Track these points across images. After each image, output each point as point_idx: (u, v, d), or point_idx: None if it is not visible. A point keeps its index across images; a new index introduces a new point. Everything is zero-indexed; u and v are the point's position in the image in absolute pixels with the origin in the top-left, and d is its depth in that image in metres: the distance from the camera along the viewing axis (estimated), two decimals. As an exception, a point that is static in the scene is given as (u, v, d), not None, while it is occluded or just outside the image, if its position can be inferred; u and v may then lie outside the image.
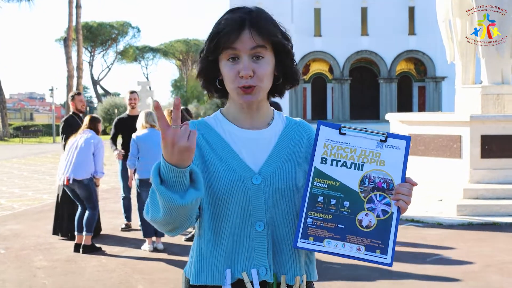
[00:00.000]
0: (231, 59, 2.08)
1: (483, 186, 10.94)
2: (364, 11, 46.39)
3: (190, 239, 8.97)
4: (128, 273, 7.49)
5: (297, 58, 47.29)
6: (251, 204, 2.08)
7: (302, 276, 2.15)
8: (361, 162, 2.03)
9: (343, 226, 1.98)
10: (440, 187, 11.18)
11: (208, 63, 2.15)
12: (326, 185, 2.01)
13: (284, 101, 45.45)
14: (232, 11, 2.14)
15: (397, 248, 8.11)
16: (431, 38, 44.38)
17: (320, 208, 1.99)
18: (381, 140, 2.05)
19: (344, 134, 2.06)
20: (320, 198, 2.00)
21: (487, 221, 9.97)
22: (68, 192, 8.71)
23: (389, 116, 13.78)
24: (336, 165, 2.03)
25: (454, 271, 7.26)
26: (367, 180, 2.02)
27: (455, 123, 11.64)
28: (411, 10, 46.14)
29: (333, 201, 2.00)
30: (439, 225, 9.94)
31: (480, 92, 12.49)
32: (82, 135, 8.66)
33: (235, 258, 2.09)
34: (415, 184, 2.05)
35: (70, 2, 45.67)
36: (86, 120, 8.88)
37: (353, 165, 2.03)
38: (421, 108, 46.50)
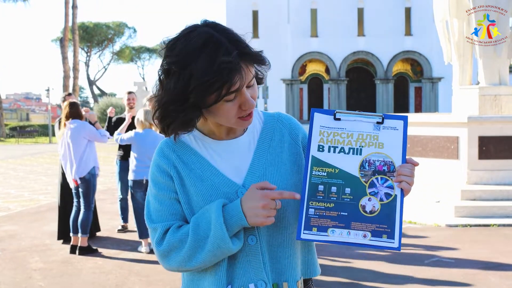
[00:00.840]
0: (229, 100, 1.92)
1: (481, 188, 10.92)
2: (360, 11, 46.43)
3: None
4: (124, 275, 7.45)
5: (293, 58, 47.57)
6: None
7: (301, 279, 2.10)
8: (359, 147, 1.98)
9: (346, 214, 1.92)
10: (438, 188, 11.16)
11: (190, 108, 1.92)
12: (325, 173, 1.95)
13: (280, 101, 45.47)
14: (211, 46, 1.85)
15: (395, 250, 8.10)
16: (428, 39, 44.48)
17: (321, 197, 1.93)
18: (377, 122, 2.00)
19: (339, 119, 2.01)
20: (320, 187, 1.94)
21: (485, 222, 9.94)
22: (72, 189, 8.63)
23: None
24: (334, 151, 1.97)
25: (452, 273, 7.23)
26: (366, 164, 1.96)
27: (453, 124, 11.61)
28: (408, 11, 46.19)
29: (333, 188, 1.94)
30: (437, 226, 9.92)
31: (478, 93, 12.47)
32: (67, 131, 8.52)
33: (232, 275, 2.02)
34: (416, 164, 1.99)
35: (66, 3, 45.60)
36: (65, 108, 8.65)
37: (351, 150, 1.97)
38: (418, 109, 46.55)
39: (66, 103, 8.75)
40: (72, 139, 8.44)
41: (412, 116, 14.75)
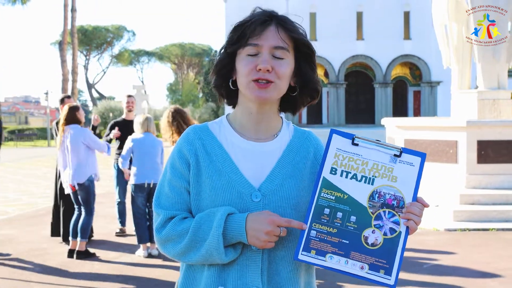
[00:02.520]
0: (251, 55, 2.02)
1: (480, 192, 10.90)
2: (359, 15, 46.45)
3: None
4: (122, 279, 7.43)
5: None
6: None
7: None
8: (372, 176, 1.94)
9: (347, 242, 1.89)
10: (437, 192, 11.14)
11: (225, 56, 2.08)
12: (334, 197, 1.93)
13: (279, 105, 45.45)
14: (260, 9, 2.12)
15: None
16: (427, 43, 44.47)
17: (325, 221, 1.91)
18: (395, 155, 1.97)
19: (357, 144, 1.98)
20: (326, 210, 1.91)
21: (484, 227, 9.93)
22: (71, 195, 8.60)
23: (385, 121, 13.75)
24: (346, 176, 1.95)
25: (451, 278, 7.22)
26: (376, 195, 1.93)
27: (452, 128, 11.61)
28: (407, 15, 46.20)
29: (339, 214, 1.91)
30: (436, 230, 9.91)
31: (477, 97, 12.46)
32: (65, 138, 8.49)
33: (227, 276, 2.00)
34: (426, 206, 1.97)
35: (65, 6, 45.57)
36: (64, 111, 8.62)
37: (364, 178, 1.94)
38: (416, 113, 46.54)
39: (66, 106, 8.71)
40: (71, 144, 8.41)
41: (411, 120, 14.75)
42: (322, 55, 45.86)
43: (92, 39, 76.51)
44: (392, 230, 1.90)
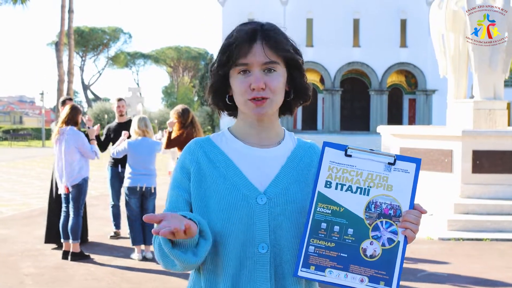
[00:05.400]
0: (242, 72, 2.03)
1: (474, 202, 10.93)
2: (356, 22, 46.53)
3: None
4: (116, 282, 7.43)
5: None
6: (254, 224, 2.00)
7: None
8: (367, 187, 1.93)
9: (346, 255, 1.88)
10: (431, 201, 11.16)
11: (218, 77, 2.10)
12: (330, 211, 1.91)
13: (274, 110, 45.47)
14: (244, 24, 2.10)
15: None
16: (423, 51, 44.60)
17: (323, 235, 1.90)
18: (389, 163, 1.95)
19: (350, 156, 1.96)
20: (323, 225, 1.90)
21: (478, 236, 9.95)
22: (62, 194, 8.59)
23: (380, 128, 13.78)
24: (341, 189, 1.93)
25: (444, 287, 7.23)
26: (373, 206, 1.91)
27: (447, 137, 11.63)
28: (403, 23, 46.31)
29: (336, 228, 1.90)
30: (430, 239, 9.93)
31: (472, 107, 12.49)
32: (61, 138, 8.49)
33: (237, 281, 2.00)
34: (424, 212, 1.95)
35: (62, 7, 45.51)
36: (66, 111, 8.63)
37: (359, 189, 1.93)
38: (411, 121, 46.64)
39: (67, 106, 8.71)
40: (66, 146, 8.41)
41: (406, 129, 14.78)
42: (318, 61, 45.93)
43: (88, 41, 76.46)
44: (390, 240, 1.88)
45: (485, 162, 11.27)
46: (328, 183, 1.95)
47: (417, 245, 9.45)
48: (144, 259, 8.50)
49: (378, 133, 14.08)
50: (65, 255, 8.48)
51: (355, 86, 47.34)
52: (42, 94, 51.70)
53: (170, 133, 8.73)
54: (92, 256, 8.63)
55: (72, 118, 8.54)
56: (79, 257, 8.43)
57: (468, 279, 7.58)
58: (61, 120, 8.58)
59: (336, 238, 1.89)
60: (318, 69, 46.18)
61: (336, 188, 1.94)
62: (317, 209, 1.92)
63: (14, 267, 8.13)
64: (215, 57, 2.18)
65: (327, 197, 1.93)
